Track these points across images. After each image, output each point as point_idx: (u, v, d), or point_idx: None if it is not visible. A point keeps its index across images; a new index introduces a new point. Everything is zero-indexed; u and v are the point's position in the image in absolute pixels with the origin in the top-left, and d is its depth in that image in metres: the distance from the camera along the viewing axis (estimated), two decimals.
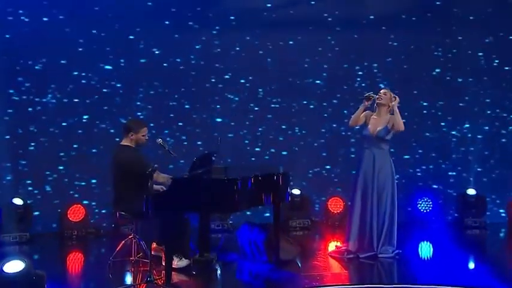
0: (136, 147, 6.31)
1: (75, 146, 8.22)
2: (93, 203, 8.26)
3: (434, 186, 8.89)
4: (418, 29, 8.73)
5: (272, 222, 6.79)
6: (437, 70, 8.92)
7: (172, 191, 5.82)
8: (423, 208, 8.72)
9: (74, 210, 8.09)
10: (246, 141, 8.74)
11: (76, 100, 8.22)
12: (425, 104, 8.93)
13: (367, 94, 6.80)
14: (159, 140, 6.31)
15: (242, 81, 8.70)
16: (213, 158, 6.42)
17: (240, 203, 5.82)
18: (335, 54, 8.80)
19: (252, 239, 6.70)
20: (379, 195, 6.73)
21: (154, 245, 6.49)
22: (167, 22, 8.44)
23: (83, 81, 8.23)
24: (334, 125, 8.85)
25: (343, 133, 8.82)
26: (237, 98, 8.68)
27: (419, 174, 8.93)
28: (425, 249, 7.63)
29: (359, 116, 6.85)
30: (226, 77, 8.65)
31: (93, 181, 8.26)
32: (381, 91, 6.86)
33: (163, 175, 6.14)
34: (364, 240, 6.78)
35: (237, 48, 8.65)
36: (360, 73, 8.85)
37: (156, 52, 8.42)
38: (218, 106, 8.66)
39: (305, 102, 8.84)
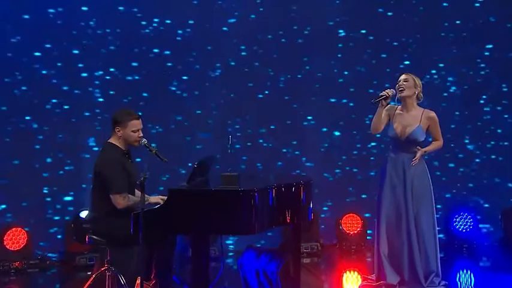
0: (125, 147, 5.85)
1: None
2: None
3: (475, 199, 8.80)
4: None
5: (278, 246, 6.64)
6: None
7: (168, 208, 5.37)
8: (462, 227, 8.51)
9: (13, 235, 7.68)
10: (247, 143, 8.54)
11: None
12: None
13: (381, 94, 6.26)
14: (144, 141, 5.82)
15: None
16: (213, 163, 6.09)
17: (258, 222, 5.36)
18: None
19: (261, 268, 6.33)
20: (418, 212, 6.33)
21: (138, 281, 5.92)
22: None
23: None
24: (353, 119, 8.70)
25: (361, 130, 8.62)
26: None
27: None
28: (471, 278, 7.33)
29: (380, 118, 6.33)
30: None
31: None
32: (401, 78, 6.37)
33: (134, 198, 5.72)
34: (405, 270, 6.37)
35: None
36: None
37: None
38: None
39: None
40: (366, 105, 6.82)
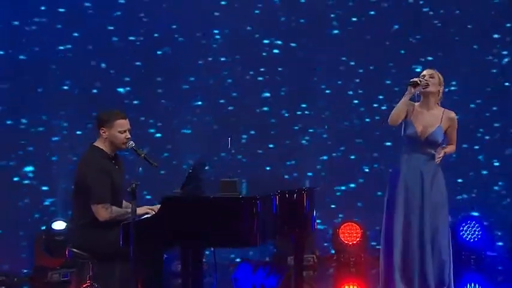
0: (111, 151, 5.61)
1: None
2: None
3: (483, 208, 8.79)
4: None
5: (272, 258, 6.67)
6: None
7: (162, 218, 5.18)
8: (469, 236, 8.46)
9: None
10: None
11: None
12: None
13: (414, 79, 6.11)
14: (131, 143, 5.58)
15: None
16: (206, 167, 6.04)
17: (260, 232, 5.16)
18: None
19: (258, 283, 6.44)
20: (433, 220, 6.12)
21: None
22: None
23: None
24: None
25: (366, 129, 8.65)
26: None
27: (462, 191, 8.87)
28: None
29: (404, 107, 6.14)
30: None
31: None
32: (425, 73, 6.20)
33: (117, 209, 5.52)
34: (415, 282, 6.15)
35: None
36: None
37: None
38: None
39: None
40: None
